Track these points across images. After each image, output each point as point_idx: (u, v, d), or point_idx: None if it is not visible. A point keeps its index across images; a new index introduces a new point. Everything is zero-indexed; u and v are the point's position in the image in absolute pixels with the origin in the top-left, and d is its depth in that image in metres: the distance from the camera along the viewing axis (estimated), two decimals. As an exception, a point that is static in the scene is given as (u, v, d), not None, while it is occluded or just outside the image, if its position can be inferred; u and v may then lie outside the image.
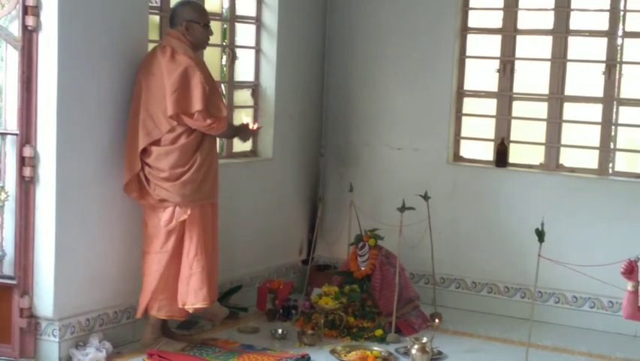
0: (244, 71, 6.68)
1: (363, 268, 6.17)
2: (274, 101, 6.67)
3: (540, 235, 4.73)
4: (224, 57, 6.58)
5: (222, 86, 6.52)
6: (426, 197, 6.23)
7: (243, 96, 6.72)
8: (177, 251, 5.28)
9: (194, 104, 5.12)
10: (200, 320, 5.82)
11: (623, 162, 6.43)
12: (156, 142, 5.20)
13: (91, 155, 5.20)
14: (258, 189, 6.62)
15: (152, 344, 5.34)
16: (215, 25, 6.47)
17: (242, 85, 6.67)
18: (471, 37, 6.83)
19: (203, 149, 5.25)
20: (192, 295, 5.25)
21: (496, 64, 6.73)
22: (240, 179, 6.27)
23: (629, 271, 4.48)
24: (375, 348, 5.58)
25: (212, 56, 6.44)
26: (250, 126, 5.60)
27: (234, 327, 5.98)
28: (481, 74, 6.84)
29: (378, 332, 5.84)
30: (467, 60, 6.84)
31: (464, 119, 6.88)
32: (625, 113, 6.37)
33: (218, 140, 5.54)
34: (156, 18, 5.83)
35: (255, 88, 6.73)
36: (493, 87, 6.75)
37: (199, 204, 5.26)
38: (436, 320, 6.22)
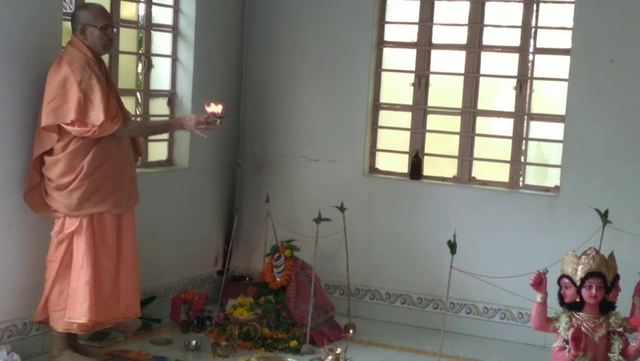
0: (160, 79, 6.61)
1: (278, 279, 6.17)
2: (191, 111, 6.61)
3: (452, 246, 4.80)
4: (140, 65, 6.51)
5: (138, 94, 6.44)
6: (342, 208, 6.26)
7: (159, 105, 6.64)
8: (70, 263, 5.15)
9: (69, 114, 4.97)
10: (112, 331, 5.72)
11: (532, 176, 6.58)
12: (49, 151, 5.09)
13: (-2, 163, 5.09)
14: (174, 199, 6.56)
15: (58, 357, 5.22)
16: (130, 33, 6.43)
17: (158, 94, 6.60)
18: (387, 51, 6.92)
19: (94, 156, 5.06)
20: (75, 309, 5.08)
21: (411, 78, 6.82)
22: (154, 189, 6.19)
23: (538, 283, 4.59)
24: (290, 359, 5.58)
25: (127, 64, 6.37)
26: (203, 117, 5.27)
27: (147, 339, 5.90)
28: (397, 88, 6.92)
29: (293, 343, 5.84)
30: (383, 73, 6.92)
31: (380, 131, 6.95)
32: (535, 128, 6.53)
33: (125, 145, 5.32)
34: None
35: (171, 97, 6.67)
36: (408, 100, 6.84)
37: (89, 215, 5.13)
38: (350, 331, 6.22)
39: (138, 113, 6.44)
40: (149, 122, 5.24)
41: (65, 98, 4.98)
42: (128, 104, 5.96)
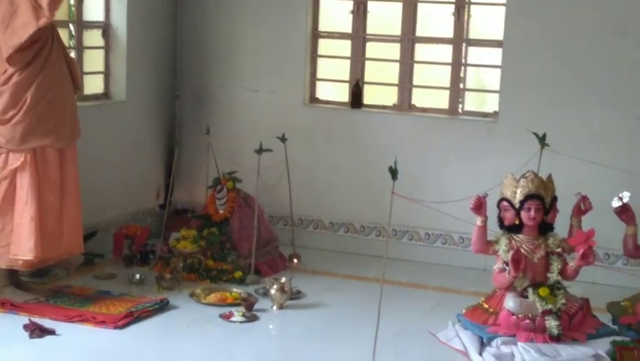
0: (93, 10, 6.44)
1: (221, 212, 6.16)
2: (126, 42, 6.50)
3: (393, 172, 4.81)
4: (73, -4, 6.34)
5: (71, 26, 6.28)
6: (283, 139, 6.24)
7: (94, 37, 6.50)
8: (12, 199, 5.06)
9: (30, 24, 4.86)
10: (54, 267, 5.67)
11: (471, 102, 6.63)
12: None
13: None
14: (112, 133, 6.46)
15: (0, 294, 5.17)
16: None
17: (91, 25, 6.45)
18: (325, -22, 6.85)
19: (37, 87, 4.98)
20: (20, 246, 5.03)
21: (350, 5, 6.76)
22: (91, 123, 6.06)
23: (478, 207, 4.64)
24: (235, 290, 5.60)
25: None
26: None
27: (90, 274, 5.87)
28: (336, 15, 6.86)
29: (238, 274, 5.86)
30: (321, 1, 6.84)
31: (319, 60, 6.91)
32: (473, 54, 6.54)
33: (65, 77, 5.26)
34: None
35: (105, 28, 6.52)
36: (347, 29, 6.80)
37: (32, 150, 5.04)
38: (295, 261, 6.29)
39: (72, 45, 6.28)
40: None
41: (18, 13, 4.86)
42: (62, 36, 5.80)
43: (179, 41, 7.09)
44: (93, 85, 6.51)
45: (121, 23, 6.51)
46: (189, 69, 7.10)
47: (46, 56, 5.02)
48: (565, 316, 4.54)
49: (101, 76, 6.56)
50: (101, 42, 6.53)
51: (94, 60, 6.50)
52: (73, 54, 6.19)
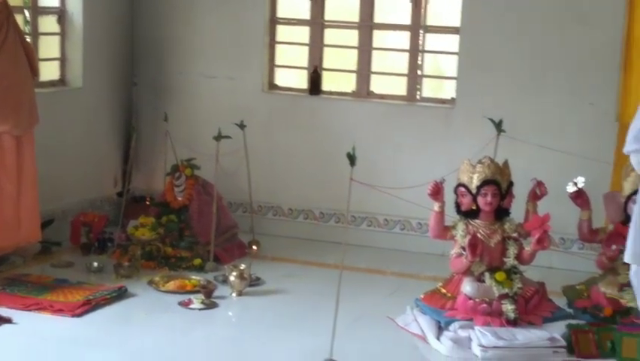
0: (49, -5, 6.39)
1: (180, 199, 6.14)
2: (82, 28, 6.43)
3: (351, 158, 4.84)
4: (27, -19, 6.26)
5: (26, 12, 6.20)
6: (242, 126, 6.23)
7: (49, 23, 6.42)
8: None
9: None
10: (11, 255, 5.61)
11: (429, 89, 6.67)
12: None
13: None
14: (68, 120, 6.40)
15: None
16: (15, -53, 6.14)
17: (47, 11, 6.37)
18: (283, -36, 6.83)
19: None
20: None
21: (309, -9, 6.77)
22: (47, 109, 6.00)
23: (436, 193, 4.69)
24: (194, 277, 5.59)
25: (13, -20, 6.10)
26: None
27: (47, 262, 5.82)
28: (294, 2, 6.85)
29: (197, 262, 5.84)
30: (280, -13, 6.85)
31: (278, 47, 6.90)
32: (431, 41, 6.58)
33: (22, 63, 5.20)
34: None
35: (60, 14, 6.45)
36: (306, 15, 6.79)
37: None
38: (254, 247, 6.29)
39: (27, 31, 6.20)
40: None
41: None
42: (17, 21, 5.74)
43: (135, 27, 7.03)
44: (49, 71, 6.43)
45: (76, 9, 6.44)
46: (146, 56, 7.04)
47: (1, 41, 4.97)
48: (521, 300, 4.60)
49: (57, 62, 6.49)
50: (56, 28, 6.45)
51: (49, 46, 6.42)
52: (28, 40, 6.11)
